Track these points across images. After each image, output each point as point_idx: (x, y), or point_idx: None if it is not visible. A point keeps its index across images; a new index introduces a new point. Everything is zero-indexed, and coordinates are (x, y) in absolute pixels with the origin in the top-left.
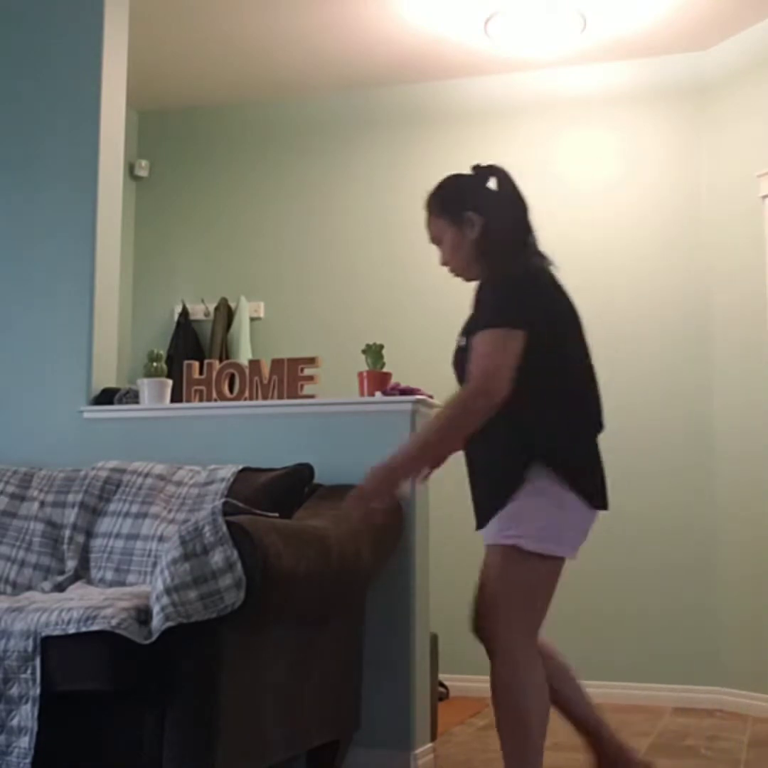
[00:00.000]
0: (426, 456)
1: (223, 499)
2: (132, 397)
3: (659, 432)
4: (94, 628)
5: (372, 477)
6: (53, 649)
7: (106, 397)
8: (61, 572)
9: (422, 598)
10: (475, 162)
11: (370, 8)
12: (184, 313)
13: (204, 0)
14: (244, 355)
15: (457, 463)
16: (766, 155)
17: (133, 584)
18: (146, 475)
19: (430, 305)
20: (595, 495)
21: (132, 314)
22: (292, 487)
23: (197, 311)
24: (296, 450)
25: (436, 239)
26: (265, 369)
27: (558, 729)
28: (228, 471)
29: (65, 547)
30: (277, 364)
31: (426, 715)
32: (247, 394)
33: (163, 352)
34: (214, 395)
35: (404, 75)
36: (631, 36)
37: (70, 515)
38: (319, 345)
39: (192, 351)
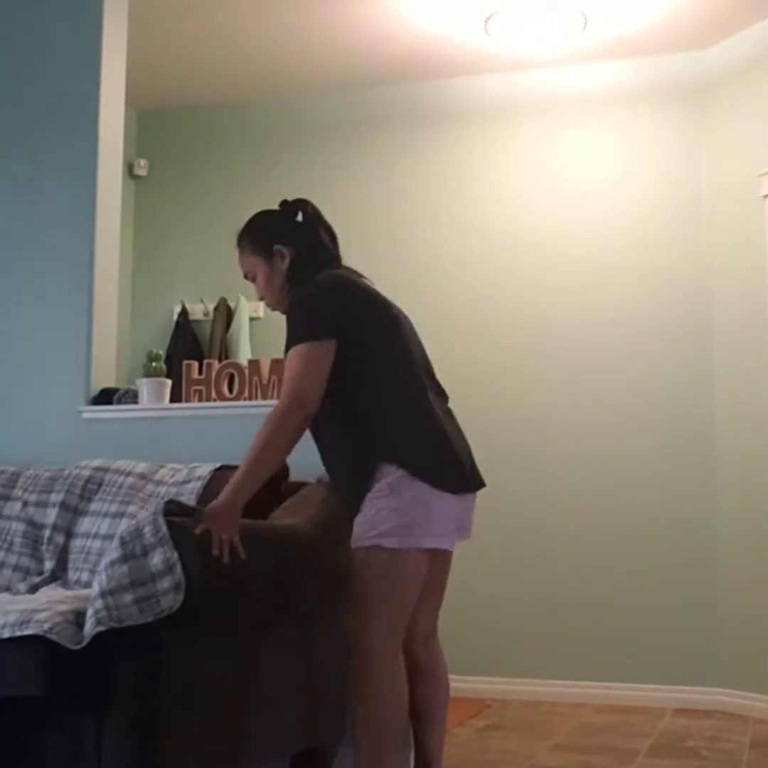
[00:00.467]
0: (252, 481)
1: (166, 499)
2: (131, 397)
3: (659, 432)
4: (27, 632)
5: (213, 519)
6: None
7: (106, 397)
8: (40, 573)
9: None
10: (477, 160)
11: (370, 7)
12: (184, 313)
13: (204, 0)
14: (243, 355)
15: None
16: (766, 155)
17: None
18: (128, 474)
19: (431, 305)
20: (450, 480)
21: (131, 314)
22: (269, 485)
23: (196, 311)
24: (296, 450)
25: (249, 275)
26: (265, 369)
27: (558, 729)
28: (205, 469)
29: (44, 547)
30: (276, 364)
31: None
32: (246, 394)
33: (162, 352)
34: (214, 395)
35: (404, 74)
36: (632, 35)
37: (51, 515)
38: None
39: (191, 351)
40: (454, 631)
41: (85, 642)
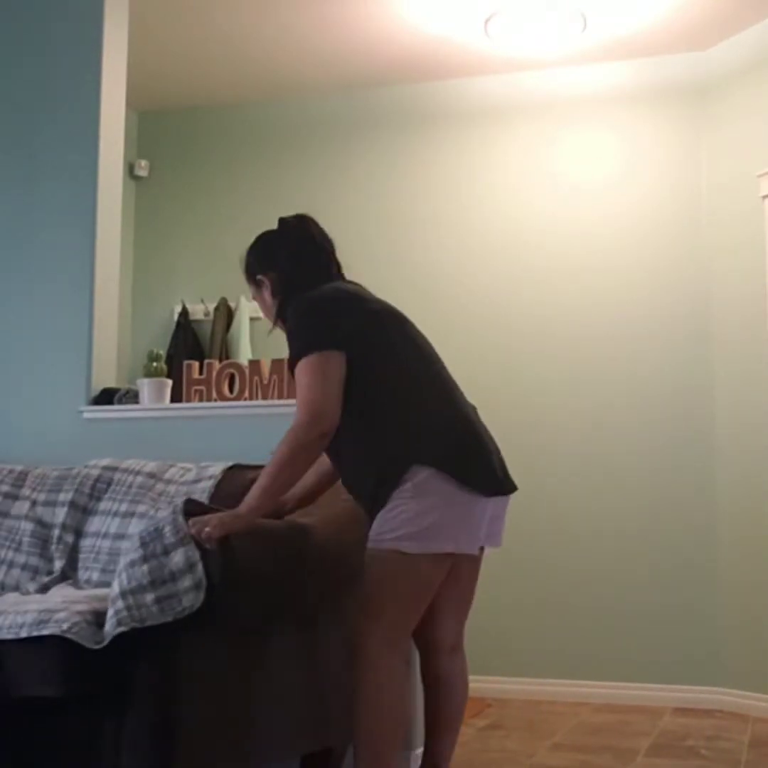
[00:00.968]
0: (269, 502)
1: (185, 498)
2: (132, 397)
3: (659, 432)
4: (45, 632)
5: (227, 527)
6: (6, 654)
7: (106, 397)
8: (50, 573)
9: None
10: (477, 161)
11: (370, 8)
12: (184, 313)
13: (204, 0)
14: (244, 355)
15: None
16: (766, 155)
17: None
18: (137, 473)
19: (431, 305)
20: (480, 479)
21: (132, 314)
22: None
23: (197, 311)
24: None
25: (255, 300)
26: (265, 369)
27: (557, 728)
28: (217, 468)
29: (54, 547)
30: (277, 364)
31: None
32: (247, 394)
33: (162, 352)
34: (214, 395)
35: (404, 75)
36: (631, 36)
37: (60, 514)
38: None
39: (192, 351)
40: None
41: (106, 642)
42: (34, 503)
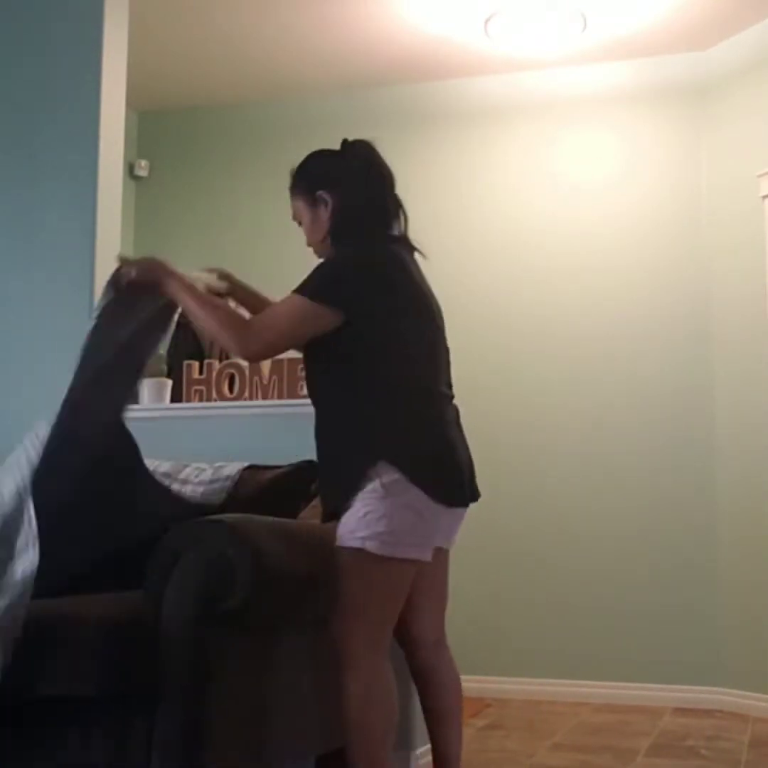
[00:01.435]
0: (183, 300)
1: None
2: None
3: (659, 432)
4: None
5: (148, 267)
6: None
7: None
8: None
9: None
10: (477, 161)
11: (370, 8)
12: (184, 312)
13: (204, 0)
14: None
15: None
16: (766, 155)
17: None
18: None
19: None
20: (448, 492)
21: None
22: (297, 485)
23: None
24: (296, 450)
25: (296, 219)
26: (265, 369)
27: (557, 728)
28: (233, 469)
29: None
30: (276, 364)
31: None
32: (247, 394)
33: (162, 352)
34: (214, 395)
35: (404, 75)
36: (631, 36)
37: None
38: None
39: (192, 351)
40: (454, 630)
41: None
42: None
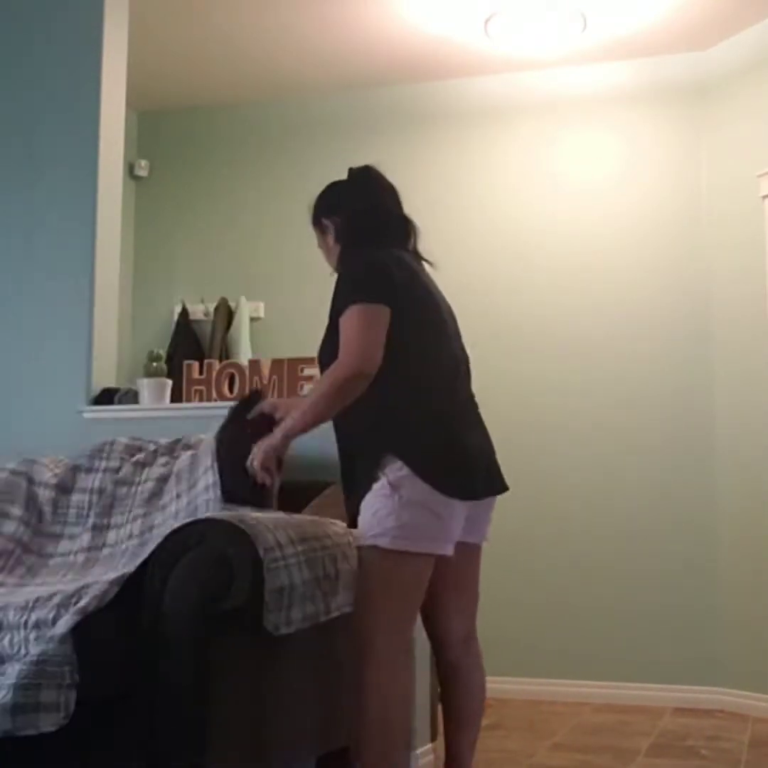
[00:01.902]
0: (304, 430)
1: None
2: (132, 397)
3: (659, 432)
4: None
5: (261, 455)
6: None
7: (106, 397)
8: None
9: None
10: (477, 161)
11: (370, 8)
12: (184, 313)
13: (204, 0)
14: (244, 355)
15: None
16: (766, 155)
17: None
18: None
19: None
20: (456, 484)
21: (132, 314)
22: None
23: (197, 311)
24: (296, 449)
25: (320, 248)
26: (265, 369)
27: (557, 729)
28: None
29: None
30: (277, 364)
31: (426, 715)
32: (247, 394)
33: (163, 352)
34: (214, 395)
35: (404, 75)
36: (631, 36)
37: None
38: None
39: (192, 351)
40: None
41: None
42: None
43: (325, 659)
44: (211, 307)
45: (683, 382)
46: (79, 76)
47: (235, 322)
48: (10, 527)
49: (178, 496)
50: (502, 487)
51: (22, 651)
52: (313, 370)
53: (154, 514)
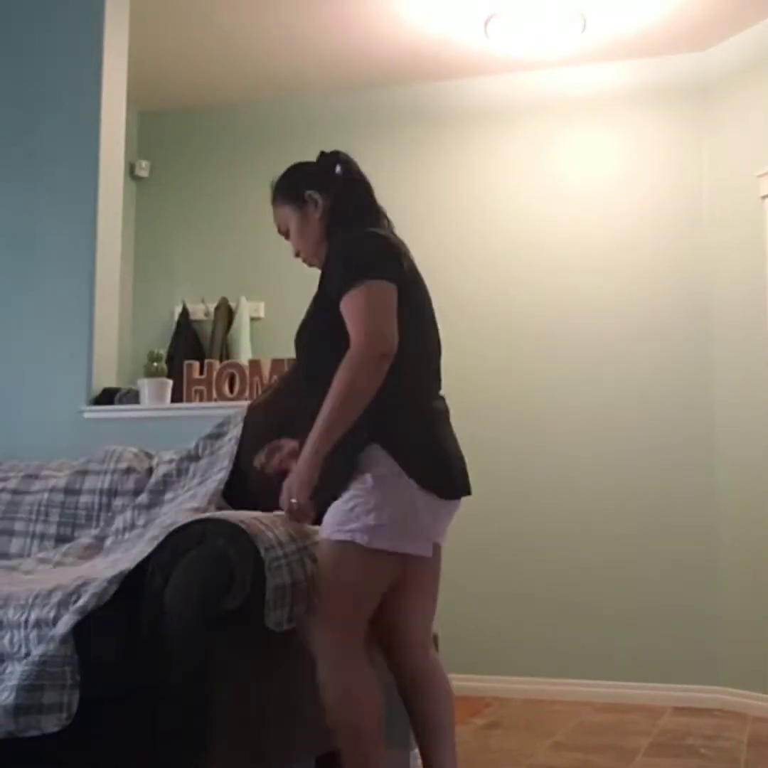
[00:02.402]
0: (335, 436)
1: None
2: (132, 397)
3: (659, 432)
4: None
5: (298, 492)
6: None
7: (107, 397)
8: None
9: None
10: (477, 161)
11: (370, 9)
12: (184, 313)
13: (204, 0)
14: (244, 355)
15: None
16: (766, 155)
17: None
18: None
19: None
20: (440, 483)
21: (132, 314)
22: None
23: (197, 311)
24: None
25: (282, 229)
26: (266, 369)
27: (557, 728)
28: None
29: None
30: (277, 364)
31: None
32: (247, 394)
33: (163, 352)
34: (215, 395)
35: (404, 75)
36: (631, 36)
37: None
38: None
39: (192, 351)
40: (455, 630)
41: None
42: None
43: None
44: (212, 307)
45: (683, 382)
46: (79, 76)
47: (235, 322)
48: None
49: (187, 490)
50: (470, 490)
51: (23, 650)
52: None
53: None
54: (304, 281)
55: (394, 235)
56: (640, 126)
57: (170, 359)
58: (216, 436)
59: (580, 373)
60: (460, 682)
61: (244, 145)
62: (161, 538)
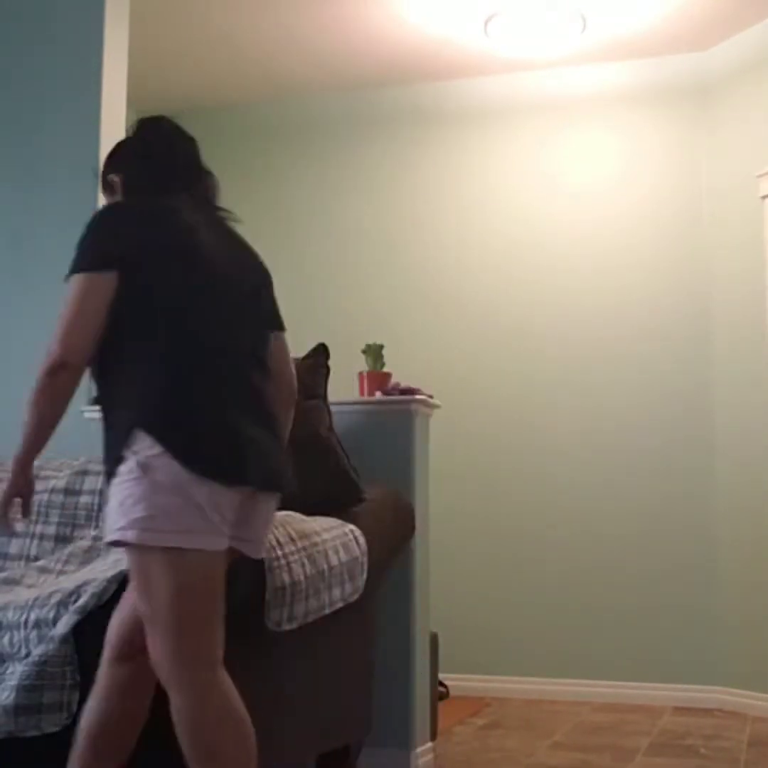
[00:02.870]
0: (32, 456)
1: None
2: None
3: (659, 432)
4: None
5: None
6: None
7: None
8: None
9: (422, 598)
10: (477, 161)
11: (370, 8)
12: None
13: (204, 0)
14: None
15: (453, 462)
16: (766, 155)
17: None
18: None
19: (430, 305)
20: (223, 470)
21: None
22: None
23: None
24: None
25: None
26: None
27: (557, 728)
28: None
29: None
30: None
31: (426, 714)
32: None
33: None
34: None
35: (404, 75)
36: (631, 36)
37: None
38: None
39: None
40: (455, 630)
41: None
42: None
43: (323, 657)
44: None
45: (683, 382)
46: (79, 76)
47: None
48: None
49: None
50: (283, 487)
51: (23, 650)
52: None
53: None
54: (303, 281)
55: (177, 205)
56: (640, 126)
57: None
58: None
59: (580, 373)
60: (460, 682)
61: (243, 145)
62: None
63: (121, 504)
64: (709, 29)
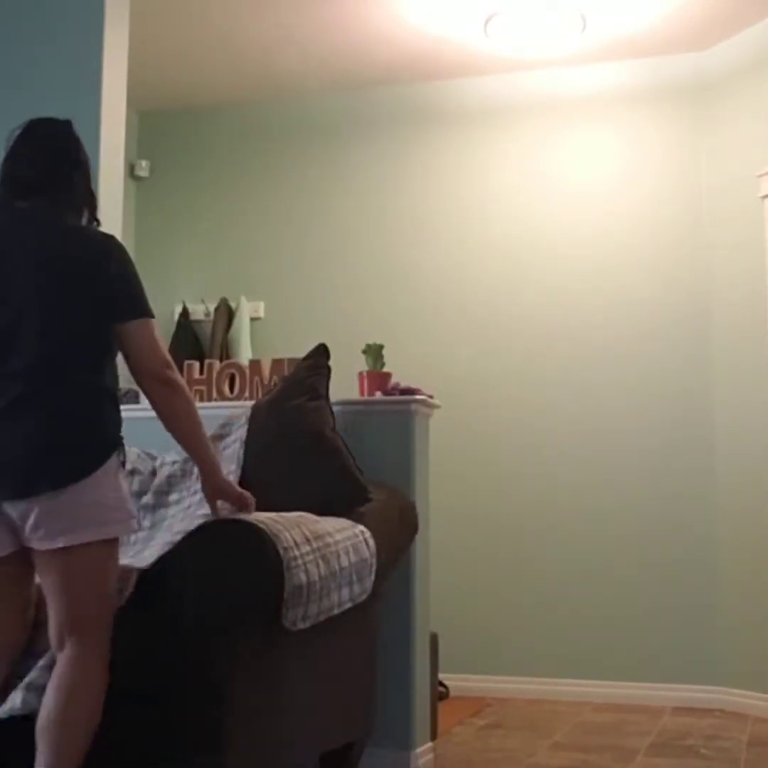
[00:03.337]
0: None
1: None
2: (132, 397)
3: (659, 432)
4: None
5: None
6: None
7: None
8: None
9: (422, 598)
10: (477, 161)
11: (370, 8)
12: (184, 313)
13: (204, 0)
14: (244, 355)
15: (454, 462)
16: (766, 155)
17: None
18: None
19: (430, 305)
20: None
21: None
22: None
23: (197, 311)
24: None
25: None
26: (266, 369)
27: (558, 728)
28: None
29: None
30: (277, 364)
31: (426, 714)
32: (247, 394)
33: None
34: (215, 395)
35: (404, 75)
36: (631, 36)
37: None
38: None
39: (192, 351)
40: (454, 630)
41: None
42: None
43: (327, 657)
44: (212, 307)
45: (683, 382)
46: (79, 76)
47: (235, 322)
48: None
49: (194, 492)
50: (22, 493)
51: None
52: None
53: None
54: (303, 281)
55: None
56: (640, 126)
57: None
58: (219, 437)
59: (579, 373)
60: (460, 682)
61: (243, 145)
62: (178, 538)
63: None
64: (709, 29)
